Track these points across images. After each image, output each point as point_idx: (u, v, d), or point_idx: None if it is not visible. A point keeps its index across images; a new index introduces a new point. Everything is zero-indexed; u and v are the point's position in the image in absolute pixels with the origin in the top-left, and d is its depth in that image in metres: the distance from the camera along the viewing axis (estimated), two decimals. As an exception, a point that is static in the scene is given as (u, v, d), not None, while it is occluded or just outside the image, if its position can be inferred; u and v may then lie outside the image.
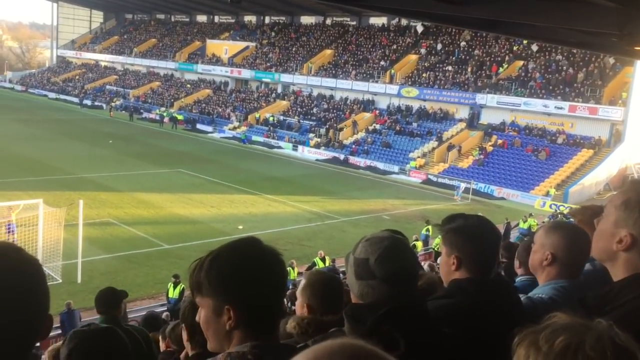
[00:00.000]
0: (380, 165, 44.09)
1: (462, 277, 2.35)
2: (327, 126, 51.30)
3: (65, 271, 17.97)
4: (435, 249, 21.80)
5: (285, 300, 10.83)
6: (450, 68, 51.09)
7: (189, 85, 70.11)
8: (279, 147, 50.46)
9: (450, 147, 43.97)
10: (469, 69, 49.72)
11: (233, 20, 77.42)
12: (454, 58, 52.38)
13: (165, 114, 61.80)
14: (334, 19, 66.19)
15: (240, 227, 25.27)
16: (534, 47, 47.34)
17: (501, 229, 22.87)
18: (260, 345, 1.59)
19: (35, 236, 18.03)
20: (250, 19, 75.20)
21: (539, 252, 2.65)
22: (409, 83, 51.83)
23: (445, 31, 55.05)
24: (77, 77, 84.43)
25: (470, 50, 52.33)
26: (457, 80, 49.15)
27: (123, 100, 71.16)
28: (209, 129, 57.62)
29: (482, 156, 42.21)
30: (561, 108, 41.81)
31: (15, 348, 1.35)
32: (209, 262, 1.64)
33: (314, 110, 55.99)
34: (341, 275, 12.53)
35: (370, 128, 50.00)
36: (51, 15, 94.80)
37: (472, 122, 47.05)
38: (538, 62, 46.97)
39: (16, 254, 1.38)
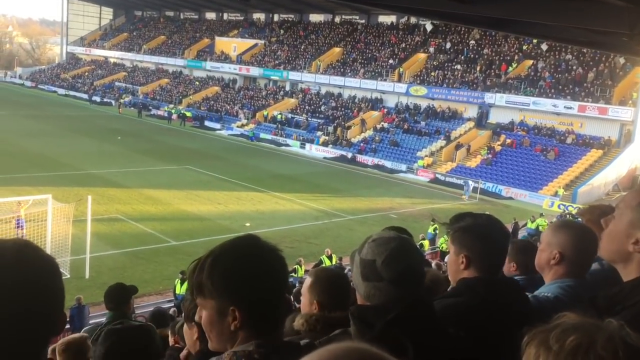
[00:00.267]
0: (388, 164, 44.01)
1: (471, 276, 2.35)
2: (335, 124, 51.25)
3: (73, 266, 18.07)
4: (441, 248, 21.76)
5: (291, 298, 10.85)
6: (459, 67, 50.90)
7: (197, 83, 70.25)
8: (287, 145, 50.47)
9: (458, 146, 43.83)
10: (478, 68, 49.51)
11: (242, 18, 77.49)
12: (462, 57, 52.18)
13: (173, 111, 61.96)
14: (343, 17, 66.09)
15: (248, 224, 25.31)
16: (544, 47, 47.07)
17: (509, 228, 22.76)
18: (265, 344, 1.58)
19: (44, 231, 18.14)
20: (259, 16, 75.23)
21: (546, 251, 2.64)
22: (418, 82, 51.68)
23: (454, 30, 54.85)
24: (86, 73, 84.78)
25: (479, 49, 52.11)
26: (466, 79, 48.96)
27: (132, 96, 71.38)
28: (217, 126, 57.70)
29: (490, 155, 42.03)
30: (570, 108, 41.57)
31: (33, 343, 1.36)
32: (211, 263, 1.61)
33: (322, 108, 55.96)
34: (348, 273, 12.51)
35: (378, 126, 49.91)
36: (61, 11, 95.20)
37: (481, 121, 46.86)
38: (548, 62, 46.71)
39: (34, 251, 1.40)
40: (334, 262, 18.46)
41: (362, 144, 47.41)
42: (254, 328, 1.61)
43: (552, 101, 42.59)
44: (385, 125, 49.79)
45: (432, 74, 51.59)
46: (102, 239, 21.49)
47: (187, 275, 1.68)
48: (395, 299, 1.86)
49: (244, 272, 1.59)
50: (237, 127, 56.43)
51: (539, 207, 34.31)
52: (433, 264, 12.25)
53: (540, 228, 25.36)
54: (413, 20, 58.18)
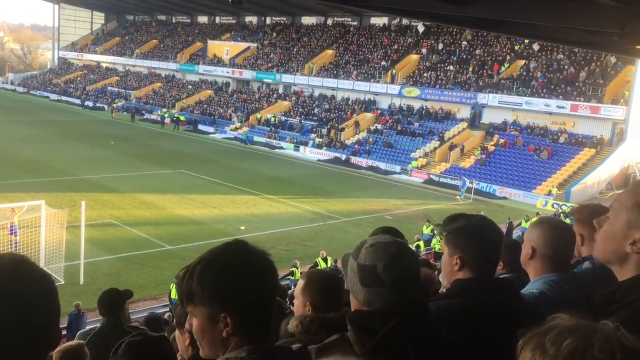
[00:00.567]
0: (382, 165, 44.06)
1: (465, 277, 2.35)
2: (329, 126, 51.27)
3: (67, 272, 17.99)
4: (434, 248, 21.81)
5: (286, 301, 10.81)
6: (451, 68, 51.04)
7: (190, 86, 70.15)
8: (281, 148, 50.46)
9: (452, 147, 43.93)
10: (470, 69, 49.67)
11: (234, 21, 77.45)
12: (455, 58, 52.33)
13: (166, 115, 61.82)
14: (335, 19, 66.19)
15: (242, 227, 25.27)
16: (536, 47, 47.26)
17: (503, 228, 22.82)
18: (257, 349, 1.57)
19: (38, 237, 18.07)
20: (251, 19, 75.23)
21: (525, 247, 2.69)
22: (410, 83, 51.79)
23: (446, 31, 55.01)
24: (78, 78, 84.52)
25: (471, 49, 52.29)
26: (459, 80, 49.10)
27: (125, 101, 71.22)
28: (211, 129, 57.63)
29: (483, 156, 42.16)
30: (563, 107, 41.75)
31: (29, 357, 1.35)
32: (200, 270, 1.59)
33: (316, 110, 55.98)
34: (343, 276, 12.49)
35: (372, 128, 49.97)
36: (52, 16, 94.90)
37: (474, 121, 47.00)
38: (539, 62, 46.91)
39: (30, 266, 1.40)
40: (329, 265, 18.46)
41: (356, 146, 47.45)
42: (245, 334, 1.59)
43: (545, 101, 42.78)
44: (379, 126, 49.86)
45: (425, 75, 51.71)
46: (96, 245, 21.39)
47: (176, 283, 1.66)
48: (394, 303, 1.84)
49: (234, 278, 1.58)
50: (231, 130, 56.38)
51: (532, 206, 34.41)
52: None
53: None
54: (405, 21, 58.31)
